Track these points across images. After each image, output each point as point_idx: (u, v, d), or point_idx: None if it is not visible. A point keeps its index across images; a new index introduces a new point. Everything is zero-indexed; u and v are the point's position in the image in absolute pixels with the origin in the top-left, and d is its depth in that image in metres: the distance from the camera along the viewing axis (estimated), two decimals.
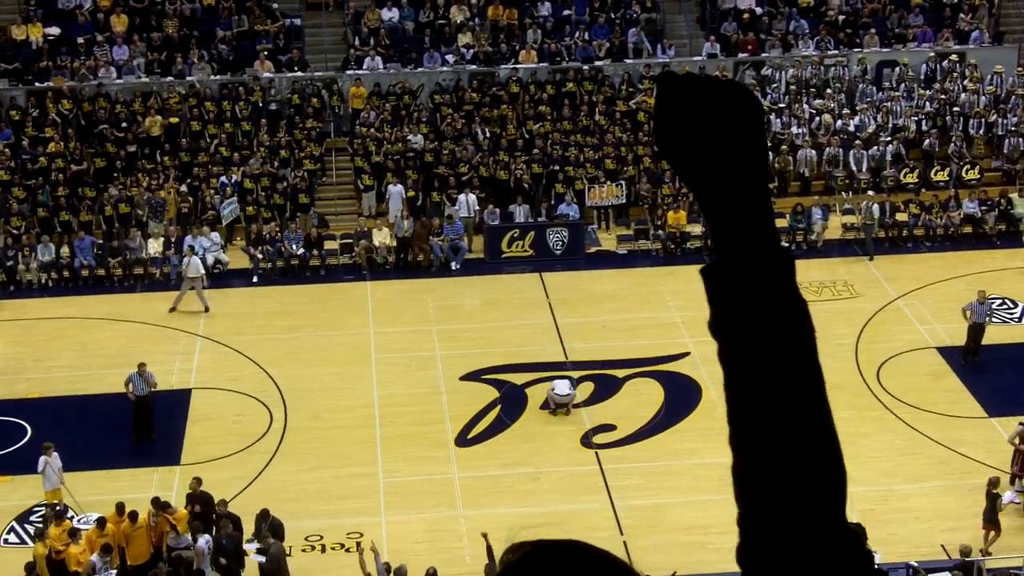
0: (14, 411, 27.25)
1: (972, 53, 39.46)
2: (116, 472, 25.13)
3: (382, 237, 33.83)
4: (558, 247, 33.95)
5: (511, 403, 27.16)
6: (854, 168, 36.47)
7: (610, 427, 26.30)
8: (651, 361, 28.49)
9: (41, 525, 22.64)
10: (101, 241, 33.48)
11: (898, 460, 25.15)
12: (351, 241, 33.94)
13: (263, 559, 21.38)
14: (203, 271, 31.51)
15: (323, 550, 22.87)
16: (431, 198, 35.46)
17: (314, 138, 36.70)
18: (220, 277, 32.77)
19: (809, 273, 32.20)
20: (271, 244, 33.49)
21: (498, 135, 36.86)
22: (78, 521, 23.05)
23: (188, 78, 37.45)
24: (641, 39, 39.35)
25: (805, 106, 37.76)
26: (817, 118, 37.54)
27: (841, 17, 40.38)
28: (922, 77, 38.91)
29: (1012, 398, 26.71)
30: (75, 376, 28.55)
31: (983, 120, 37.43)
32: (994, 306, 29.80)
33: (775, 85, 38.50)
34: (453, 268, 33.61)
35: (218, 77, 37.73)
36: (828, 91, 38.32)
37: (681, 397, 26.88)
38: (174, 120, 36.45)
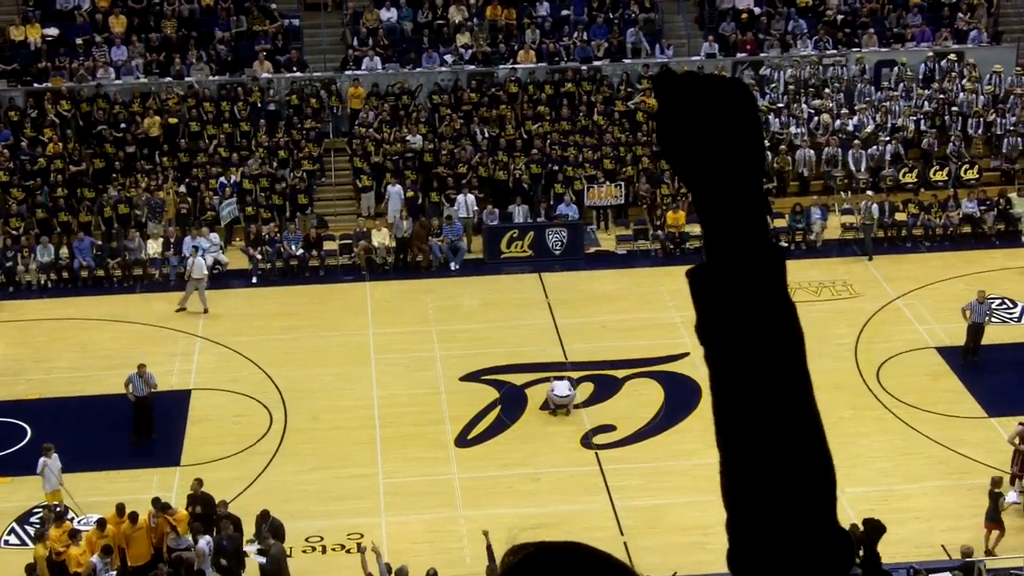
0: (14, 412, 27.24)
1: (971, 53, 39.47)
2: (116, 473, 25.13)
3: (381, 238, 33.83)
4: (557, 247, 33.95)
5: (511, 404, 27.16)
6: (853, 168, 36.47)
7: (610, 427, 26.31)
8: (651, 361, 28.50)
9: (39, 526, 22.64)
10: (100, 242, 33.47)
11: (898, 460, 25.16)
12: (350, 242, 33.94)
13: (263, 560, 21.38)
14: (206, 272, 31.55)
15: (323, 551, 22.87)
16: (430, 198, 35.47)
17: (313, 138, 36.69)
18: (219, 278, 32.76)
19: (808, 273, 32.23)
20: (270, 245, 33.49)
21: (497, 135, 36.86)
22: (78, 522, 23.04)
23: (187, 79, 37.44)
24: (640, 39, 39.36)
25: (804, 106, 37.77)
26: (816, 118, 37.54)
27: (839, 17, 40.38)
28: (921, 77, 38.92)
29: (1012, 398, 26.70)
30: (75, 377, 28.54)
31: (982, 120, 37.44)
32: (993, 306, 29.79)
33: (773, 85, 38.51)
34: (452, 268, 33.61)
35: (217, 78, 37.73)
36: (827, 91, 38.33)
37: (681, 397, 26.86)
38: (173, 121, 36.45)
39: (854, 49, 39.46)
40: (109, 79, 37.39)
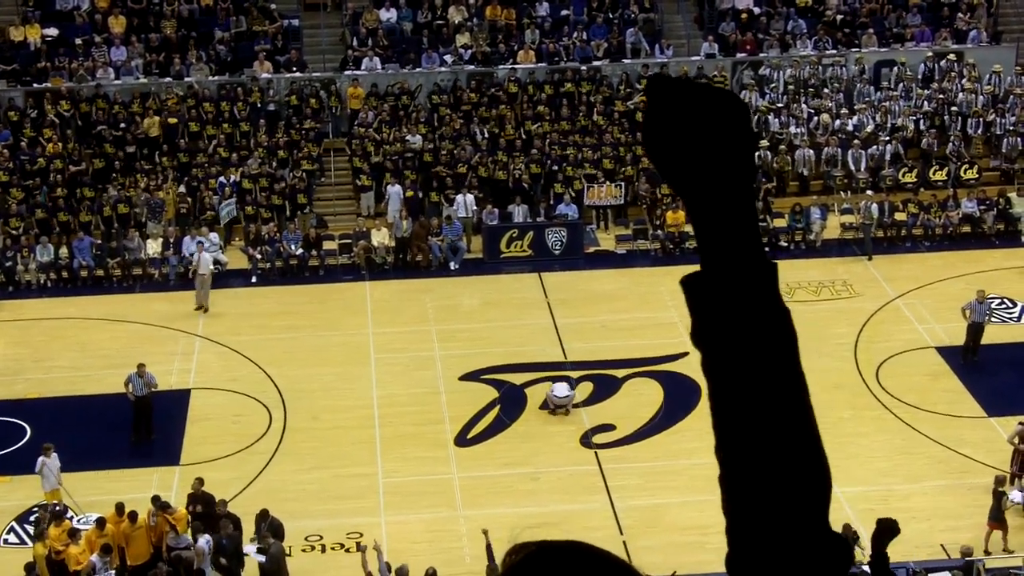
0: (13, 412, 27.24)
1: (970, 52, 39.47)
2: (116, 472, 25.12)
3: (381, 237, 33.83)
4: (557, 247, 33.94)
5: (510, 403, 27.16)
6: (852, 168, 36.47)
7: (609, 427, 26.31)
8: (650, 361, 28.50)
9: (36, 526, 22.62)
10: (100, 242, 33.46)
11: (897, 460, 25.16)
12: (350, 241, 33.94)
13: (263, 559, 21.38)
14: (212, 267, 31.57)
15: (323, 550, 22.87)
16: (430, 198, 35.46)
17: (312, 138, 36.69)
18: (219, 277, 32.71)
19: (808, 273, 32.24)
20: (270, 244, 33.49)
21: (496, 135, 36.86)
22: (78, 521, 23.05)
23: (186, 79, 37.44)
24: (639, 39, 39.36)
25: (803, 106, 37.77)
26: (815, 118, 37.54)
27: (839, 17, 40.38)
28: (920, 77, 38.92)
29: (1011, 398, 26.70)
30: (74, 377, 28.54)
31: (981, 119, 37.45)
32: (993, 305, 29.79)
33: (773, 85, 38.51)
34: (452, 268, 33.61)
35: (216, 78, 37.73)
36: (826, 91, 38.33)
37: (680, 397, 26.86)
38: (172, 121, 36.45)
39: (854, 49, 39.46)
40: (109, 79, 37.39)
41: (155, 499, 22.57)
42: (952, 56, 39.10)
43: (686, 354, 28.05)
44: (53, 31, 38.48)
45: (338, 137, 37.44)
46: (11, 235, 33.77)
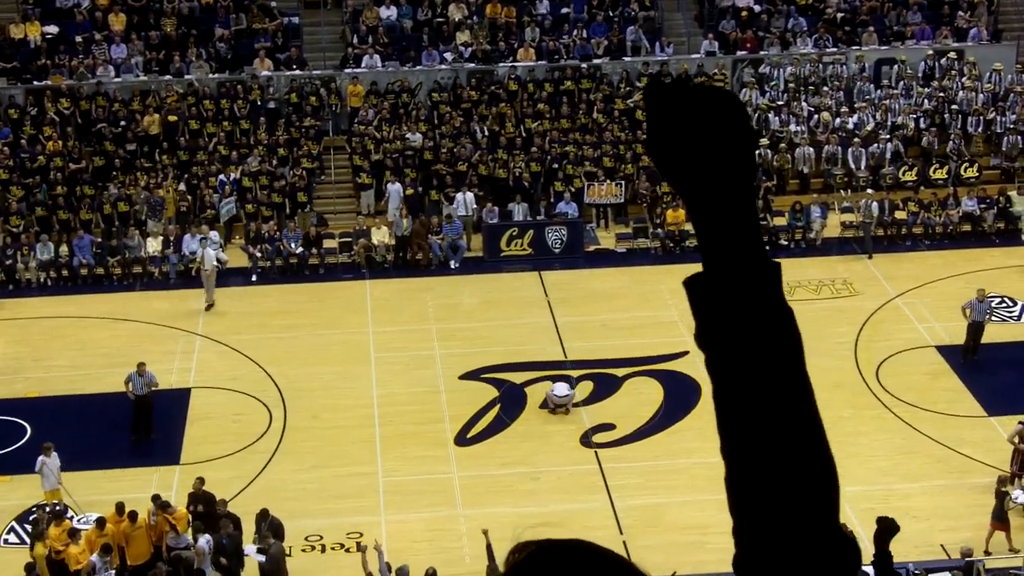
0: (13, 411, 27.24)
1: (971, 51, 39.47)
2: (116, 472, 25.12)
3: (381, 236, 33.82)
4: (557, 245, 33.93)
5: (510, 402, 27.16)
6: (853, 166, 36.46)
7: (609, 426, 26.30)
8: (650, 360, 28.48)
9: (34, 526, 22.59)
10: (100, 240, 33.46)
11: (897, 459, 25.15)
12: (350, 240, 33.94)
13: (263, 559, 21.37)
14: (215, 263, 31.57)
15: (323, 550, 22.86)
16: (430, 196, 35.45)
17: (312, 136, 36.69)
18: (219, 276, 32.70)
19: (808, 271, 32.23)
20: (270, 243, 33.48)
21: (496, 133, 36.86)
22: (78, 521, 23.04)
23: (186, 76, 37.43)
24: (639, 37, 39.35)
25: (804, 104, 37.76)
26: (816, 116, 37.53)
27: (840, 15, 40.38)
28: (920, 75, 38.92)
29: (1011, 397, 26.69)
30: (74, 375, 28.53)
31: (982, 118, 37.44)
32: (993, 304, 29.78)
33: (773, 83, 38.49)
34: (452, 267, 33.60)
35: (216, 75, 37.72)
36: (826, 89, 38.32)
37: (680, 396, 26.85)
38: (172, 119, 36.45)
39: (854, 47, 39.45)
40: (109, 77, 37.39)
41: (155, 498, 22.57)
42: (952, 54, 39.10)
43: (686, 353, 28.05)
44: (53, 29, 38.49)
45: (338, 135, 37.44)
46: (11, 233, 33.77)
